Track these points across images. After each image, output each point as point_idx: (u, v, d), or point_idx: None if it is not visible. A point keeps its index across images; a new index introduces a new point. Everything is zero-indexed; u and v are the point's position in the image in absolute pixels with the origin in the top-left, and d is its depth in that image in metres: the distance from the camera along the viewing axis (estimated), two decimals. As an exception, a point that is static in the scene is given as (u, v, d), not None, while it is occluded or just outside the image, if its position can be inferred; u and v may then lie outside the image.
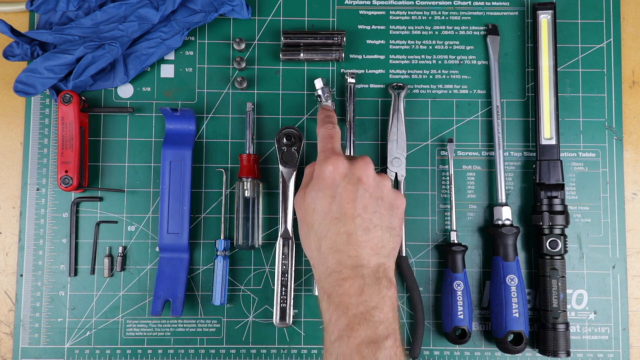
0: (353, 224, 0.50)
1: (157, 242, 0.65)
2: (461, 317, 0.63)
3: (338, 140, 0.57)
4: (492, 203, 0.67)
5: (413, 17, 0.69)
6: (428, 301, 0.66)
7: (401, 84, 0.67)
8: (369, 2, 0.69)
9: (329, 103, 0.65)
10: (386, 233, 0.52)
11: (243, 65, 0.67)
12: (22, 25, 0.67)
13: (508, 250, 0.63)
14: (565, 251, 0.64)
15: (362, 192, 0.52)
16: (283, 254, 0.65)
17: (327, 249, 0.50)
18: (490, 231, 0.65)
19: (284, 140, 0.66)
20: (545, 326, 0.63)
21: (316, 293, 0.64)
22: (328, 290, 0.49)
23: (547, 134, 0.65)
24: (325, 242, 0.50)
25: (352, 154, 0.66)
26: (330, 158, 0.52)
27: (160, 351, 0.65)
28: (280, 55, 0.67)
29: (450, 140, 0.66)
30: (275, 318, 0.64)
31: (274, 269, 0.65)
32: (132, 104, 0.67)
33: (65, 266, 0.65)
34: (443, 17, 0.69)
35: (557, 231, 0.63)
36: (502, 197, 0.65)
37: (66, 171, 0.62)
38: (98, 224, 0.66)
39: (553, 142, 0.65)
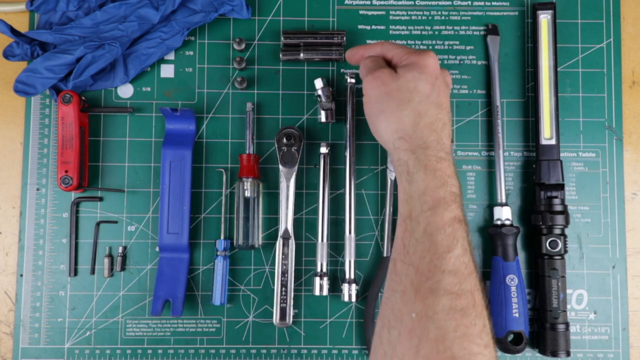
0: (447, 115, 0.54)
1: (157, 242, 0.65)
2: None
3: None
4: (492, 203, 0.67)
5: (413, 17, 0.69)
6: (428, 301, 0.66)
7: (401, 84, 0.67)
8: (369, 2, 0.69)
9: (329, 103, 0.65)
10: None
11: (243, 65, 0.67)
12: (22, 25, 0.67)
13: (508, 250, 0.63)
14: (565, 251, 0.64)
15: (449, 95, 0.57)
16: (283, 254, 0.65)
17: (427, 125, 0.52)
18: (490, 231, 0.65)
19: (284, 140, 0.66)
20: (545, 326, 0.63)
21: (316, 292, 0.64)
22: (425, 162, 0.50)
23: (547, 134, 0.65)
24: (424, 119, 0.52)
25: (351, 154, 0.66)
26: (430, 52, 0.55)
27: (160, 351, 0.65)
28: (280, 55, 0.67)
29: (451, 141, 0.66)
30: (275, 318, 0.64)
31: (274, 269, 0.65)
32: (132, 104, 0.67)
33: (65, 266, 0.65)
34: (443, 17, 0.69)
35: (557, 231, 0.63)
36: (502, 197, 0.65)
37: (66, 171, 0.62)
38: (98, 224, 0.66)
39: (553, 142, 0.65)
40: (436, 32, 0.69)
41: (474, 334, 0.44)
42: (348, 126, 0.66)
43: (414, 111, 0.52)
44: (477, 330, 0.44)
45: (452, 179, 0.51)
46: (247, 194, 0.64)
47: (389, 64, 0.57)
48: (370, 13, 0.69)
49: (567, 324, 0.63)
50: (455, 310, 0.44)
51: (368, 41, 0.67)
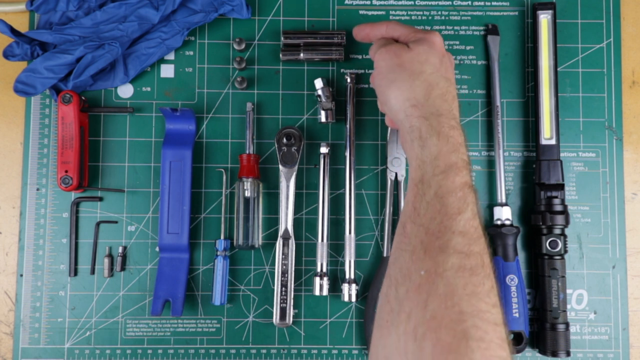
0: (455, 90, 0.55)
1: (157, 242, 0.65)
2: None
3: None
4: (492, 203, 0.67)
5: (413, 17, 0.69)
6: (428, 301, 0.66)
7: (401, 84, 0.67)
8: (369, 2, 0.69)
9: (329, 103, 0.65)
10: None
11: (243, 65, 0.67)
12: (22, 25, 0.67)
13: (508, 250, 0.63)
14: (565, 251, 0.64)
15: (454, 71, 0.58)
16: (283, 254, 0.65)
17: (439, 96, 0.53)
18: (490, 231, 0.65)
19: (284, 140, 0.66)
20: (545, 326, 0.63)
21: (316, 292, 0.64)
22: (438, 129, 0.51)
23: (547, 134, 0.65)
24: (436, 90, 0.53)
25: (351, 154, 0.66)
26: (435, 32, 0.57)
27: (160, 351, 0.65)
28: (280, 55, 0.67)
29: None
30: (275, 318, 0.64)
31: (274, 269, 0.65)
32: (132, 104, 0.67)
33: (65, 266, 0.65)
34: (443, 17, 0.69)
35: (557, 231, 0.63)
36: (502, 197, 0.65)
37: (66, 171, 0.62)
38: (98, 224, 0.66)
39: (553, 142, 0.65)
40: (436, 32, 0.69)
41: (482, 292, 0.44)
42: (348, 126, 0.66)
43: (425, 81, 0.53)
44: (485, 289, 0.44)
45: (463, 147, 0.51)
46: (247, 194, 0.64)
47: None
48: (370, 13, 0.69)
49: (567, 324, 0.63)
50: (464, 269, 0.45)
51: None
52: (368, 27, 0.60)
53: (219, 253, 0.65)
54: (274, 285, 0.65)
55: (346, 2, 0.69)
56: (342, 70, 0.68)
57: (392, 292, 0.46)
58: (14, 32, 0.63)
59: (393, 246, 0.50)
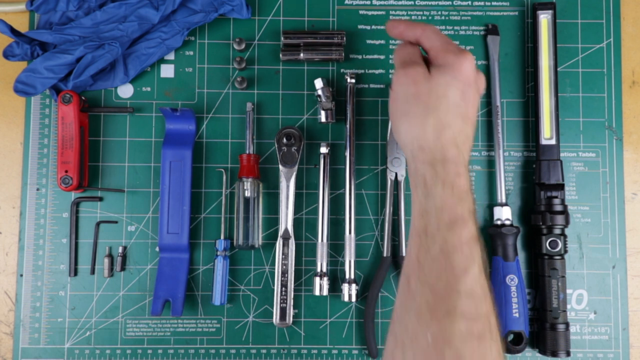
0: (472, 128, 0.52)
1: (157, 242, 0.65)
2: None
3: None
4: (492, 203, 0.67)
5: (413, 17, 0.69)
6: (428, 301, 0.66)
7: (401, 84, 0.67)
8: (369, 2, 0.69)
9: (329, 103, 0.65)
10: None
11: (243, 65, 0.67)
12: (22, 25, 0.67)
13: (508, 250, 0.63)
14: (565, 251, 0.64)
15: (479, 103, 0.54)
16: (283, 254, 0.65)
17: (450, 139, 0.50)
18: (490, 231, 0.65)
19: (284, 140, 0.66)
20: (545, 326, 0.63)
21: (316, 292, 0.64)
22: (443, 177, 0.49)
23: (547, 134, 0.65)
24: (448, 132, 0.50)
25: (351, 154, 0.66)
26: (468, 54, 0.51)
27: (160, 351, 0.65)
28: (280, 55, 0.67)
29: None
30: (275, 318, 0.64)
31: (274, 269, 0.65)
32: (132, 104, 0.67)
33: (65, 266, 0.65)
34: (443, 17, 0.69)
35: (557, 231, 0.63)
36: (502, 197, 0.65)
37: (66, 171, 0.62)
38: (98, 224, 0.66)
39: (553, 142, 0.65)
40: (436, 32, 0.69)
41: (489, 359, 0.44)
42: (348, 126, 0.66)
43: (439, 121, 0.50)
44: (493, 355, 0.44)
45: (469, 194, 0.49)
46: (247, 194, 0.64)
47: (426, 53, 0.54)
48: (370, 13, 0.69)
49: (567, 324, 0.63)
50: (472, 336, 0.44)
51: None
52: (403, 24, 0.55)
53: (219, 253, 0.65)
54: (274, 285, 0.65)
55: (346, 2, 0.69)
56: (342, 70, 0.68)
57: (398, 355, 0.45)
58: (14, 32, 0.63)
59: (397, 300, 0.48)
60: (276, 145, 0.66)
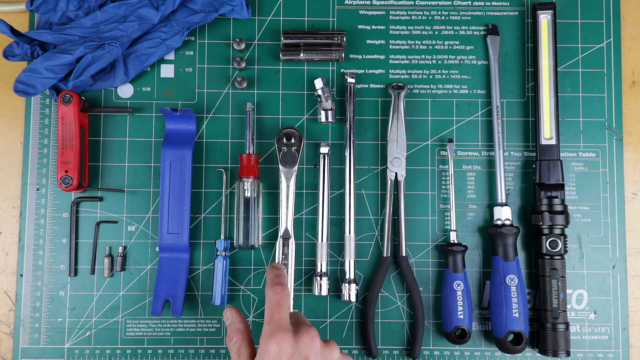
0: None
1: (157, 242, 0.65)
2: (461, 317, 0.63)
3: (286, 308, 0.52)
4: (492, 203, 0.67)
5: (413, 17, 0.69)
6: (428, 301, 0.66)
7: (401, 84, 0.67)
8: (369, 2, 0.69)
9: (329, 103, 0.65)
10: None
11: (243, 65, 0.67)
12: (22, 25, 0.67)
13: (508, 250, 0.63)
14: (565, 251, 0.64)
15: None
16: (283, 254, 0.65)
17: None
18: (490, 231, 0.65)
19: (284, 140, 0.66)
20: (545, 326, 0.63)
21: (316, 292, 0.64)
22: None
23: (547, 134, 0.65)
24: None
25: (351, 154, 0.66)
26: (277, 335, 0.49)
27: (160, 351, 0.65)
28: (280, 55, 0.67)
29: (450, 140, 0.66)
30: (275, 318, 0.64)
31: (274, 269, 0.65)
32: (132, 104, 0.67)
33: (65, 266, 0.65)
34: (443, 17, 0.69)
35: (557, 231, 0.63)
36: (502, 197, 0.65)
37: (66, 171, 0.62)
38: (98, 224, 0.66)
39: (553, 142, 0.65)
40: (436, 32, 0.69)
41: None
42: (348, 126, 0.66)
43: None
44: None
45: None
46: (247, 194, 0.64)
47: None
48: (370, 13, 0.69)
49: (567, 324, 0.63)
50: None
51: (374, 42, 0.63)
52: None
53: (219, 253, 0.65)
54: (274, 285, 0.65)
55: (346, 2, 0.69)
56: (342, 70, 0.68)
57: None
58: (14, 32, 0.63)
59: None
60: (276, 145, 0.66)
